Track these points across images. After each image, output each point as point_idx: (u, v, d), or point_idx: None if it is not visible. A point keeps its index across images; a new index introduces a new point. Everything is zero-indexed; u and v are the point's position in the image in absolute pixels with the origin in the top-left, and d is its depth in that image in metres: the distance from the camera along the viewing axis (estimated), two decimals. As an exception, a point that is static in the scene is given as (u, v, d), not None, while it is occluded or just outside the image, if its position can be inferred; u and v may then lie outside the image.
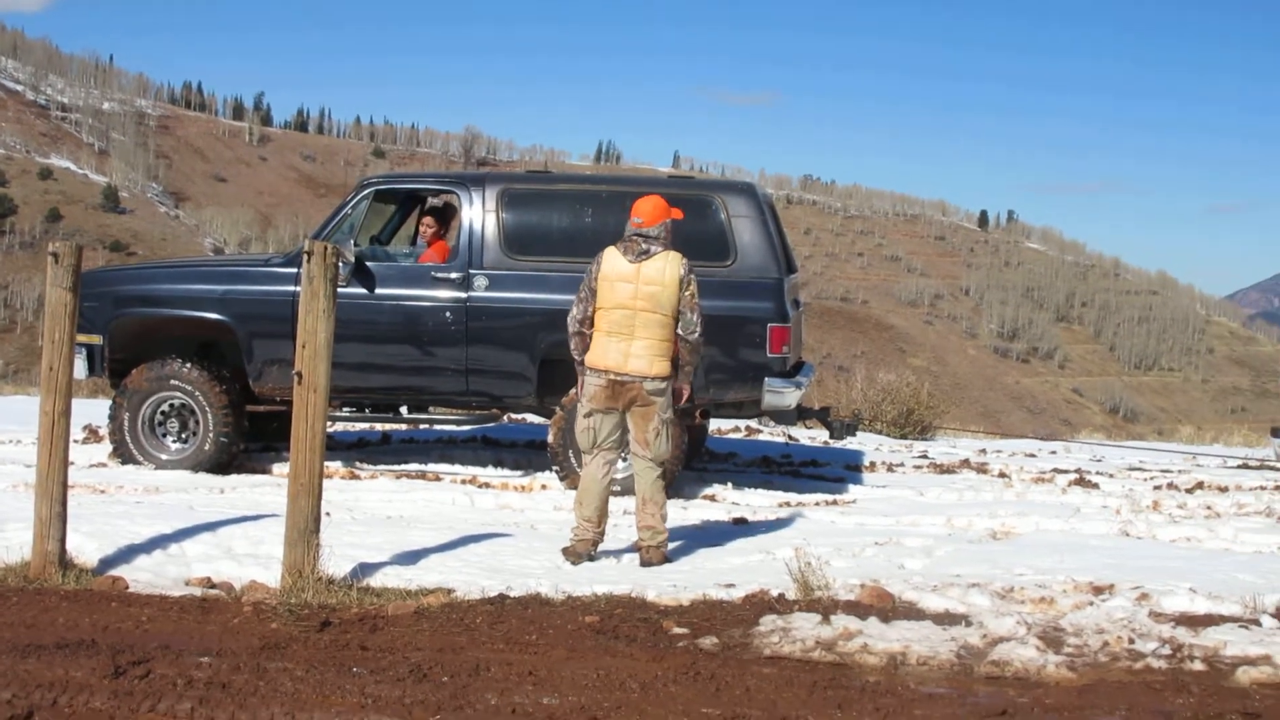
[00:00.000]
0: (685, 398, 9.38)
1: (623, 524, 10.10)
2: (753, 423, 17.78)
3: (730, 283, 11.79)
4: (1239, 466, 16.31)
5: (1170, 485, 13.80)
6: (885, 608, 7.70)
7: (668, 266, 9.05)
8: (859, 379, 22.67)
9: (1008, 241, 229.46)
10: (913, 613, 7.63)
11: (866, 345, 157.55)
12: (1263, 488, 13.82)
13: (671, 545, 9.39)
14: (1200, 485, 13.86)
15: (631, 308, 9.01)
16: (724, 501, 11.74)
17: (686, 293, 9.07)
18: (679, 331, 9.12)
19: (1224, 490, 13.56)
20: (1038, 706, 6.09)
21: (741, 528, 10.40)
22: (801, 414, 12.63)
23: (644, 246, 9.07)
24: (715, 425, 17.23)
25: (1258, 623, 7.43)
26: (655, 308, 9.01)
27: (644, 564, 8.98)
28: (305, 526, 7.89)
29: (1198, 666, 6.73)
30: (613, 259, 9.10)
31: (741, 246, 11.90)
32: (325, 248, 7.94)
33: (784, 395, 11.78)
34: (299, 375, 7.88)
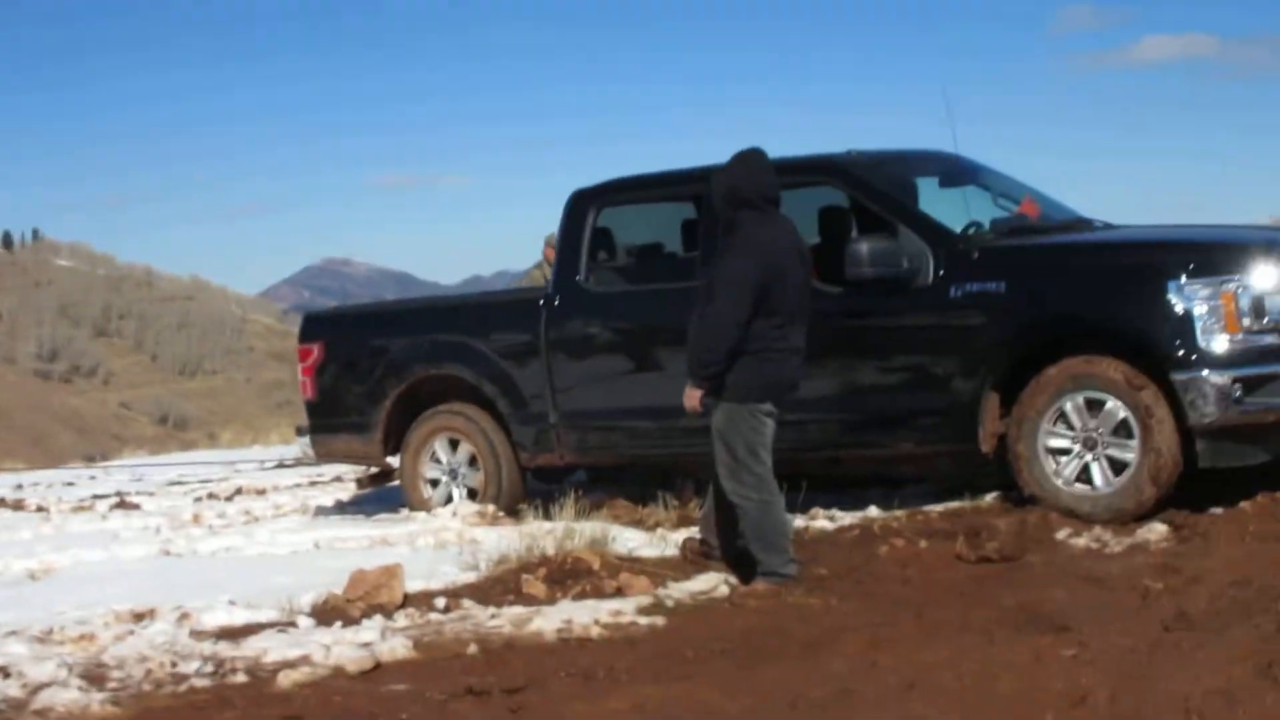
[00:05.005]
0: None
1: None
2: None
3: None
4: (275, 467, 16.85)
5: (210, 496, 14.01)
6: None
7: None
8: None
9: (36, 260, 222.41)
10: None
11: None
12: (299, 485, 14.37)
13: None
14: (239, 491, 14.18)
15: None
16: None
17: None
18: None
19: (262, 493, 13.96)
20: (85, 749, 5.98)
21: None
22: None
23: None
24: None
25: (295, 624, 7.64)
26: None
27: None
28: None
29: (241, 679, 6.83)
30: None
31: None
32: None
33: None
34: None
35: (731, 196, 8.03)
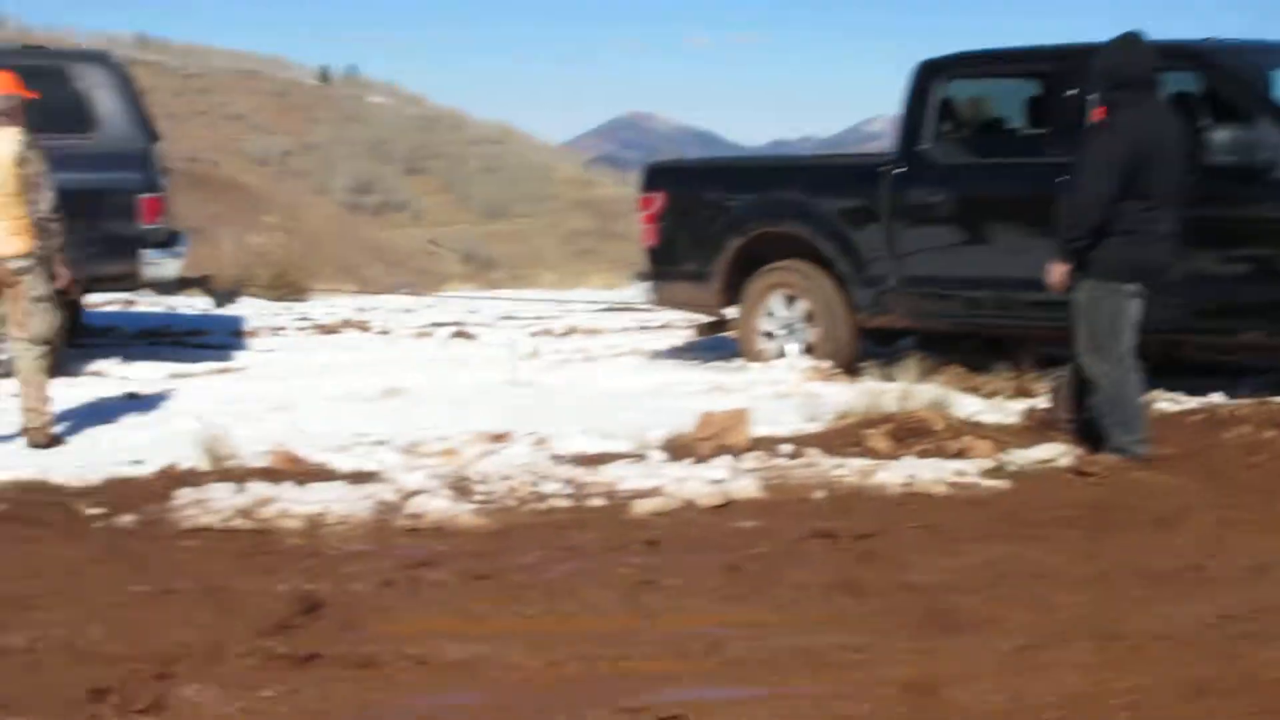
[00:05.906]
0: (67, 283, 8.92)
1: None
2: (128, 295, 17.25)
3: (94, 154, 11.40)
4: (605, 309, 17.27)
5: (546, 332, 14.48)
6: (297, 471, 7.76)
7: (4, 144, 8.52)
8: (228, 243, 22.38)
9: (351, 96, 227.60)
10: (324, 474, 7.70)
11: (219, 206, 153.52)
12: (628, 329, 14.73)
13: (66, 425, 9.11)
14: (573, 330, 14.61)
15: None
16: (113, 376, 11.37)
17: (28, 170, 8.51)
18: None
19: (595, 333, 14.35)
20: (458, 554, 6.38)
21: (137, 402, 10.17)
22: (183, 284, 12.45)
23: None
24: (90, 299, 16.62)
25: (646, 457, 7.98)
26: None
27: (32, 445, 8.68)
28: None
29: (599, 502, 7.21)
30: None
31: (102, 117, 11.54)
32: None
33: (164, 266, 11.63)
34: None
35: (1109, 76, 7.98)
